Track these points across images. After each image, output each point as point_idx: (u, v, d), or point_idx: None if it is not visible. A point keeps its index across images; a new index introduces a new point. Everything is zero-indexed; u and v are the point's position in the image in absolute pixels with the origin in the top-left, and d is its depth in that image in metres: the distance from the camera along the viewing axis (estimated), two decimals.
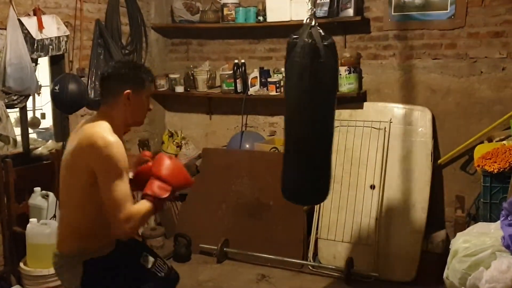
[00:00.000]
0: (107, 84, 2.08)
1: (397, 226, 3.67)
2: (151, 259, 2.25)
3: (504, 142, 3.38)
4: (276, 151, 4.03)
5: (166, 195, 2.00)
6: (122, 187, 1.90)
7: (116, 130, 2.01)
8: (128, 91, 2.02)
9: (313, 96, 2.66)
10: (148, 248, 2.46)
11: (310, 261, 3.84)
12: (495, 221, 2.74)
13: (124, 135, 2.15)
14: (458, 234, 2.59)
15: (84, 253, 2.05)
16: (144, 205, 1.97)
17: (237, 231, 4.03)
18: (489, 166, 3.13)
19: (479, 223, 2.79)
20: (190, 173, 4.32)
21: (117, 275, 2.12)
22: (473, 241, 2.43)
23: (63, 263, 2.11)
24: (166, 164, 2.05)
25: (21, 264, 3.10)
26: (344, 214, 3.83)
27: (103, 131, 1.95)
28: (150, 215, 2.02)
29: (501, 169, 3.08)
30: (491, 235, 2.42)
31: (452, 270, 2.44)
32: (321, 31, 2.67)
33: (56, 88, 3.41)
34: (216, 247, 3.95)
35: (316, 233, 3.89)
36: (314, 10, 2.75)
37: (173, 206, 4.39)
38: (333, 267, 3.74)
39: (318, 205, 3.91)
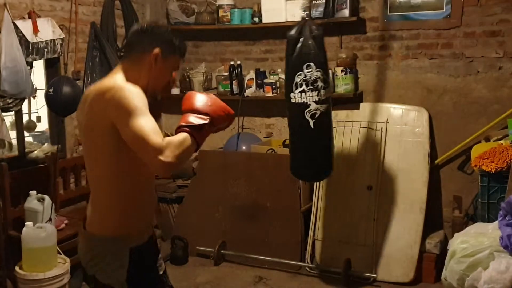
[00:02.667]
0: (138, 38, 1.84)
1: (395, 227, 3.67)
2: (163, 265, 1.99)
3: (502, 141, 3.38)
4: (273, 152, 4.02)
5: (203, 122, 1.72)
6: (145, 121, 1.62)
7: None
8: (157, 51, 1.80)
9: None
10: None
11: (307, 262, 3.82)
12: (493, 221, 2.73)
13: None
14: (456, 234, 2.58)
15: (129, 237, 1.78)
16: (178, 136, 1.68)
17: (234, 233, 4.01)
18: (487, 166, 3.13)
19: (477, 223, 2.79)
20: (188, 175, 4.38)
21: (151, 269, 1.89)
22: (471, 241, 2.42)
23: (104, 249, 1.78)
24: (199, 96, 1.79)
25: (17, 268, 3.07)
26: (341, 215, 3.82)
27: (116, 79, 1.77)
28: (190, 147, 1.68)
29: (499, 169, 3.09)
30: (489, 236, 2.41)
31: (450, 271, 2.43)
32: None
33: (50, 90, 3.39)
34: (213, 250, 3.94)
35: (314, 235, 3.88)
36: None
37: (170, 208, 4.38)
38: (331, 268, 3.73)
39: (315, 206, 3.90)
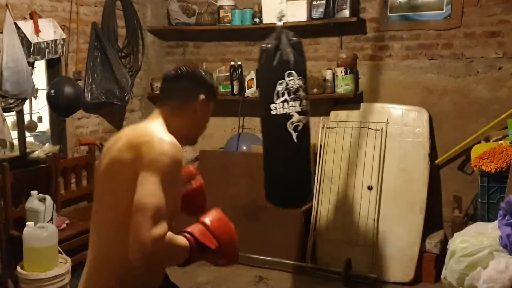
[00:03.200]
0: (178, 83, 1.69)
1: (395, 227, 3.67)
2: None
3: (501, 141, 3.38)
4: None
5: (209, 244, 1.56)
6: (164, 195, 1.44)
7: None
8: (203, 97, 1.68)
9: None
10: None
11: (308, 262, 3.83)
12: (492, 221, 2.74)
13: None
14: (456, 234, 2.59)
15: None
16: (181, 239, 1.52)
17: None
18: (486, 166, 3.14)
19: (477, 223, 2.80)
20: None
21: None
22: (470, 241, 2.43)
23: None
24: (226, 223, 1.66)
25: (18, 268, 3.09)
26: (342, 215, 3.83)
27: (155, 129, 1.58)
28: (180, 257, 1.52)
29: (498, 169, 3.09)
30: (489, 235, 2.42)
31: (450, 271, 2.44)
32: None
33: (52, 91, 3.40)
34: None
35: (314, 235, 3.89)
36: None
37: None
38: (331, 268, 3.74)
39: (315, 206, 3.91)
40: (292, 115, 2.81)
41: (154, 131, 1.57)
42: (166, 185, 1.46)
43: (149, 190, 1.43)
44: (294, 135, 2.81)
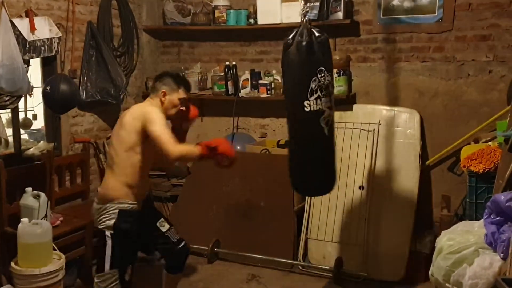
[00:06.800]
0: (153, 83, 2.93)
1: (386, 226, 3.72)
2: (167, 225, 2.94)
3: (490, 143, 3.43)
4: (267, 152, 4.07)
5: (213, 145, 2.64)
6: (166, 130, 2.66)
7: None
8: (163, 90, 2.80)
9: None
10: (165, 217, 3.05)
11: (300, 261, 3.87)
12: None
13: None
14: (443, 232, 2.64)
15: (122, 203, 2.75)
16: (189, 145, 2.78)
17: (228, 232, 4.06)
18: (475, 166, 3.19)
19: (464, 221, 2.85)
20: (182, 174, 4.41)
21: (139, 228, 2.80)
22: (457, 238, 2.48)
23: (103, 208, 2.77)
24: (218, 139, 2.80)
25: (12, 264, 3.09)
26: (334, 215, 3.87)
27: (147, 106, 2.81)
28: (192, 154, 2.67)
29: (486, 170, 3.14)
30: (475, 233, 2.47)
31: (437, 267, 2.49)
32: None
33: (48, 88, 3.42)
34: (207, 248, 3.97)
35: (306, 233, 3.93)
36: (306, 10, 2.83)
37: (164, 207, 4.41)
38: (323, 267, 3.78)
39: (308, 206, 3.95)
40: (324, 111, 2.84)
41: (148, 106, 2.81)
42: (163, 125, 2.67)
43: (160, 129, 2.63)
44: (326, 129, 2.87)
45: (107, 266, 2.79)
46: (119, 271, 2.80)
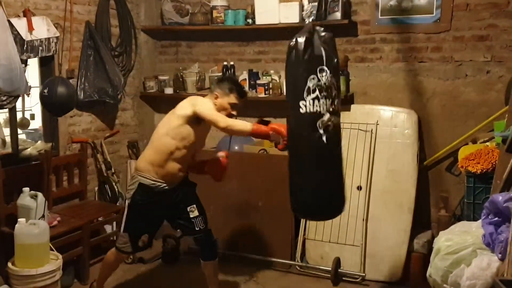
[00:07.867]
0: (213, 84, 3.27)
1: (384, 227, 3.72)
2: (196, 212, 3.18)
3: (488, 143, 3.44)
4: (265, 153, 4.07)
5: (265, 128, 2.91)
6: (216, 111, 2.99)
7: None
8: (216, 93, 3.08)
9: None
10: (200, 205, 3.25)
11: (297, 261, 3.87)
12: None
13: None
14: (441, 232, 2.64)
15: (144, 177, 3.05)
16: (239, 121, 3.01)
17: (226, 232, 4.05)
18: (472, 167, 3.19)
19: (462, 222, 2.85)
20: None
21: (156, 204, 3.09)
22: (455, 239, 2.48)
23: (131, 178, 3.18)
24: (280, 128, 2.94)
25: (9, 264, 3.09)
26: None
27: (204, 98, 3.13)
28: (243, 127, 2.91)
29: (484, 170, 3.14)
30: (473, 234, 2.47)
31: (435, 268, 2.49)
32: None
33: (45, 91, 3.41)
34: None
35: (304, 234, 3.93)
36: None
37: None
38: (321, 267, 3.78)
39: None
40: (323, 114, 2.50)
41: (201, 98, 3.13)
42: (213, 109, 3.01)
43: (210, 110, 2.97)
44: (324, 136, 2.50)
45: (122, 228, 3.17)
46: (129, 236, 3.13)
